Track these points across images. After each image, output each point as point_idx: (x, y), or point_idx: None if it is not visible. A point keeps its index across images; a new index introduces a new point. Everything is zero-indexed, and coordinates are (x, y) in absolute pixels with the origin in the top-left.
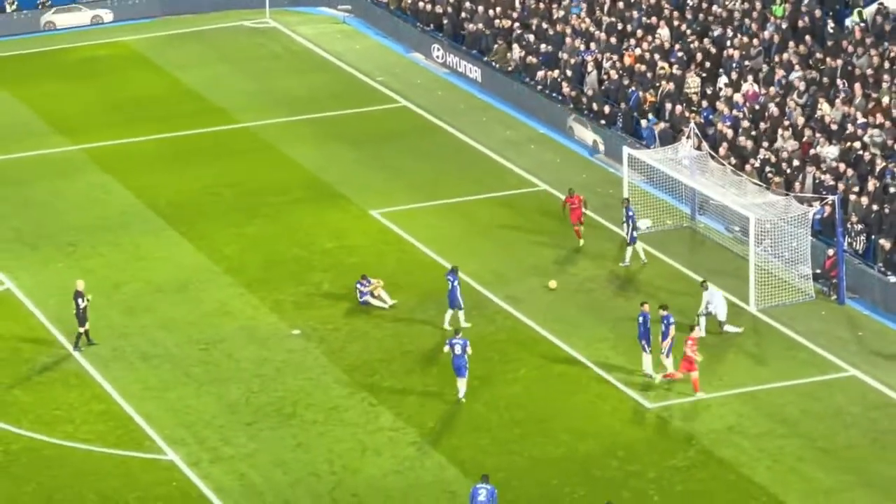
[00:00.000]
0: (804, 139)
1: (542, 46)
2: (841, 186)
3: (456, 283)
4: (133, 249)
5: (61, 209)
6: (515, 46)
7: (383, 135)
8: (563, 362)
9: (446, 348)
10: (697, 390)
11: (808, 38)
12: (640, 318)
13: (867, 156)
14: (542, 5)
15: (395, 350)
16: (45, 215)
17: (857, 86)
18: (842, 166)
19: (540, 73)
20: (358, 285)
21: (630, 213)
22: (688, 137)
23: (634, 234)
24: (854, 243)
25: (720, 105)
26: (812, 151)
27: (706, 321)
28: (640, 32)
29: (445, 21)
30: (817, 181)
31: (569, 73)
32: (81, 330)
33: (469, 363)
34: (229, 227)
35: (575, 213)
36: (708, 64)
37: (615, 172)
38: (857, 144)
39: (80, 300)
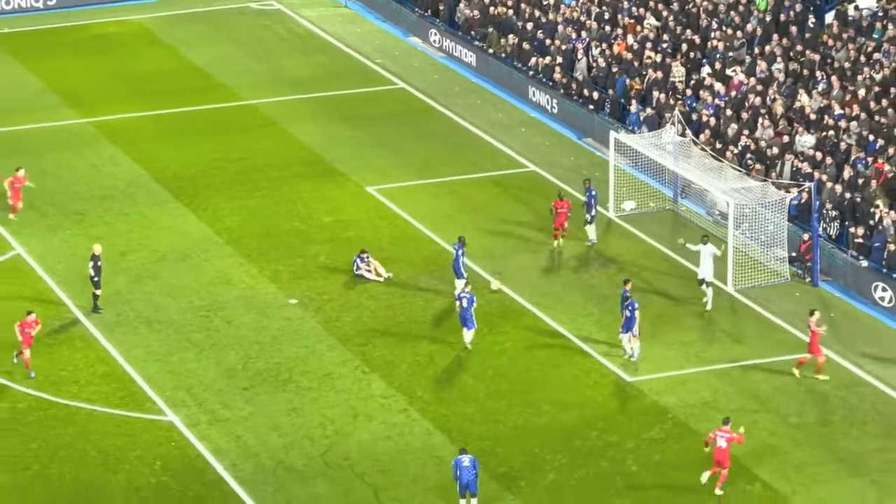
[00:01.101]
0: (782, 128)
1: (537, 33)
2: (817, 174)
3: (460, 252)
4: (139, 219)
5: (71, 179)
6: (511, 35)
7: (381, 115)
8: (548, 336)
9: (456, 302)
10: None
11: (791, 29)
12: (622, 297)
13: (843, 145)
14: None
15: (387, 321)
16: (55, 185)
17: (835, 78)
18: (818, 155)
19: (532, 60)
20: (357, 259)
21: (591, 194)
22: (672, 124)
23: (593, 213)
24: (828, 229)
25: (703, 94)
26: (788, 139)
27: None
28: (628, 22)
29: (442, 7)
30: (795, 169)
31: (559, 59)
32: (98, 292)
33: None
34: (231, 199)
35: (559, 219)
36: (693, 54)
37: (602, 156)
38: (833, 134)
39: (97, 262)
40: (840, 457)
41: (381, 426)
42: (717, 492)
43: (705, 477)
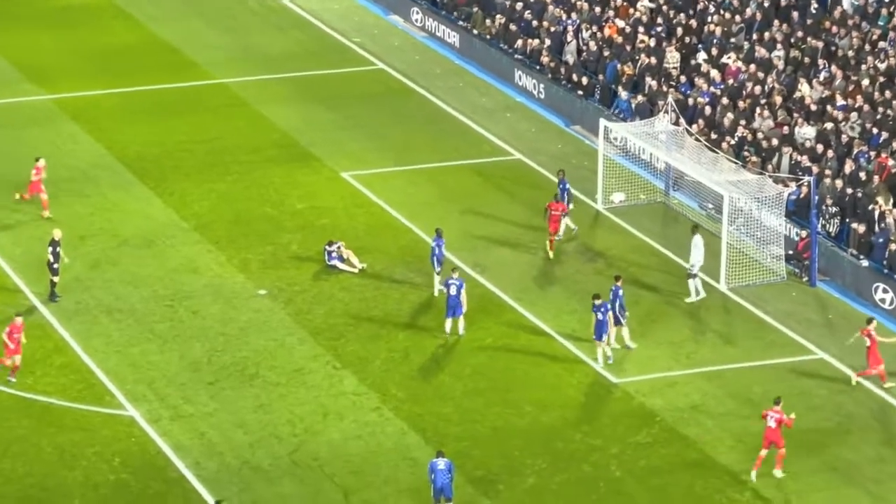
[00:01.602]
0: (781, 119)
1: (524, 14)
2: (816, 168)
3: (438, 245)
4: (101, 202)
5: (29, 158)
6: (497, 16)
7: (358, 96)
8: (530, 333)
9: (443, 289)
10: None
11: (793, 14)
12: (612, 294)
13: (844, 138)
14: None
15: (361, 314)
16: (12, 164)
17: (837, 67)
18: (819, 147)
19: (519, 42)
20: (327, 249)
21: (565, 186)
22: (665, 112)
23: (569, 206)
24: (827, 225)
25: (699, 81)
26: (787, 130)
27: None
28: (621, 4)
29: None
30: (793, 162)
31: (548, 42)
32: (55, 279)
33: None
34: (199, 183)
35: (554, 222)
36: (688, 39)
37: (590, 144)
38: (834, 126)
39: (56, 248)
40: (834, 465)
41: (352, 425)
42: (778, 474)
43: (753, 475)
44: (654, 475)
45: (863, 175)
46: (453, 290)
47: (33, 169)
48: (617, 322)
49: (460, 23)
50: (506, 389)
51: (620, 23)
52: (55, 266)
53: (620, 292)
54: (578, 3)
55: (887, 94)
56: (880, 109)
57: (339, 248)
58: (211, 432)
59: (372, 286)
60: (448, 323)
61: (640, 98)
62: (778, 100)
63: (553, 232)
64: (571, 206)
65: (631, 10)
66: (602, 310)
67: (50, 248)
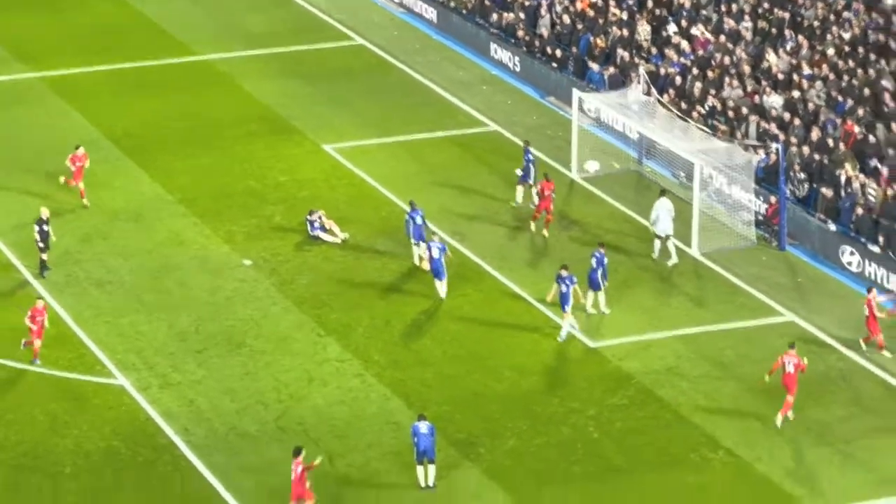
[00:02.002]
0: (749, 88)
1: None
2: (784, 136)
3: (414, 217)
4: (89, 178)
5: (19, 136)
6: None
7: (339, 71)
8: (509, 299)
9: (425, 252)
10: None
11: None
12: (595, 260)
13: (811, 106)
14: None
15: (343, 283)
16: (3, 142)
17: (803, 37)
18: (787, 115)
19: (494, 16)
20: (308, 219)
21: (529, 157)
22: (637, 83)
23: (528, 176)
24: (796, 191)
25: (669, 52)
26: (755, 99)
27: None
28: None
29: None
30: (762, 130)
31: (522, 16)
32: (44, 256)
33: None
34: (185, 158)
35: (545, 202)
36: (658, 11)
37: (565, 115)
38: (801, 94)
39: (43, 227)
40: (805, 425)
41: (336, 391)
42: (780, 421)
43: (780, 420)
44: (631, 436)
45: (830, 142)
46: (436, 254)
47: (71, 156)
48: (596, 287)
49: None
50: (485, 355)
51: None
52: (41, 245)
53: (605, 260)
54: None
55: (851, 63)
56: (845, 78)
57: (320, 217)
58: (199, 399)
59: (353, 256)
60: (440, 286)
61: (612, 70)
62: (746, 69)
63: (547, 211)
64: (531, 178)
65: None
66: (567, 282)
67: (36, 227)
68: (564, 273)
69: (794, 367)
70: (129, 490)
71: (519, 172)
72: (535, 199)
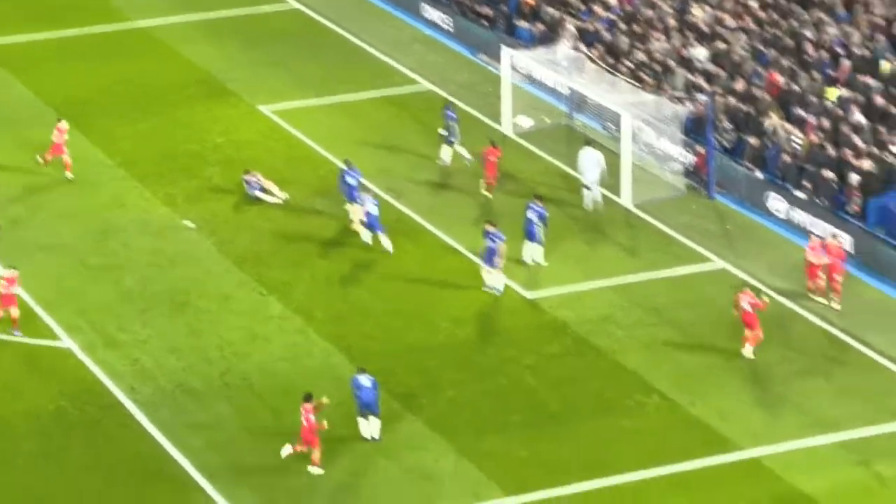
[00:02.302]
0: (675, 41)
1: None
2: (710, 87)
3: (348, 175)
4: (31, 144)
5: None
6: None
7: (274, 35)
8: (445, 253)
9: (357, 212)
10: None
11: None
12: (532, 214)
13: (736, 58)
14: None
15: (283, 242)
16: None
17: None
18: (712, 67)
19: None
20: (245, 179)
21: (451, 116)
22: (565, 39)
23: (452, 138)
24: (723, 141)
25: (596, 8)
26: (682, 52)
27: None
28: None
29: None
30: (688, 82)
31: None
32: None
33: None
34: (125, 123)
35: (490, 168)
36: None
37: (496, 72)
38: (725, 46)
39: None
40: (739, 367)
41: (279, 347)
42: (746, 351)
43: (748, 351)
44: (567, 384)
45: (755, 92)
46: (374, 210)
47: (55, 130)
48: (533, 239)
49: None
50: (423, 309)
51: None
52: None
53: (546, 213)
54: None
55: (774, 14)
56: (768, 29)
57: (258, 178)
58: (144, 358)
59: (292, 215)
60: (382, 239)
61: (541, 26)
62: (672, 23)
63: (491, 176)
64: (455, 137)
65: None
66: (493, 238)
67: None
68: (491, 229)
69: (751, 306)
70: (78, 449)
71: (443, 133)
72: (466, 158)
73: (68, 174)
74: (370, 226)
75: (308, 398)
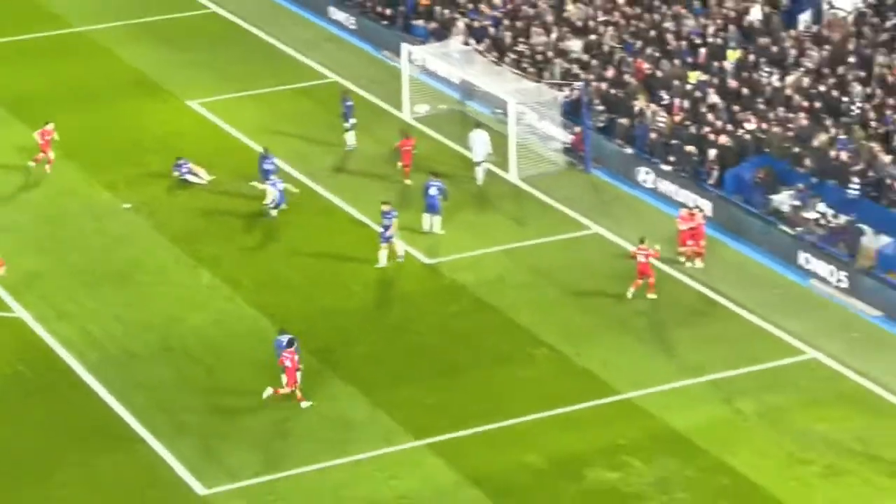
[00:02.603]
0: (553, 35)
1: None
2: (584, 74)
3: (266, 162)
4: None
5: None
6: None
7: (199, 36)
8: (356, 226)
9: (271, 192)
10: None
11: None
12: (433, 189)
13: (606, 48)
14: None
15: (212, 220)
16: None
17: None
18: (585, 57)
19: None
20: (175, 166)
21: (348, 104)
22: (456, 35)
23: (348, 124)
24: (597, 122)
25: (482, 6)
26: (558, 44)
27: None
28: None
29: None
30: (565, 70)
31: None
32: None
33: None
34: (69, 118)
35: (406, 156)
36: None
37: (396, 66)
38: (596, 38)
39: None
40: (611, 318)
41: (211, 313)
42: (651, 296)
43: (630, 292)
44: (468, 339)
45: (624, 78)
46: (280, 187)
47: (40, 131)
48: (434, 211)
49: None
50: (337, 276)
51: None
52: None
53: (444, 186)
54: None
55: (638, 9)
56: (633, 22)
57: (189, 164)
58: (92, 327)
59: (221, 197)
60: (274, 212)
61: (434, 24)
62: (549, 19)
63: (406, 165)
64: (354, 121)
65: None
66: (388, 216)
67: None
68: (386, 208)
69: (646, 257)
70: (35, 408)
71: (349, 123)
72: (354, 140)
73: (47, 168)
74: (278, 204)
75: (290, 342)
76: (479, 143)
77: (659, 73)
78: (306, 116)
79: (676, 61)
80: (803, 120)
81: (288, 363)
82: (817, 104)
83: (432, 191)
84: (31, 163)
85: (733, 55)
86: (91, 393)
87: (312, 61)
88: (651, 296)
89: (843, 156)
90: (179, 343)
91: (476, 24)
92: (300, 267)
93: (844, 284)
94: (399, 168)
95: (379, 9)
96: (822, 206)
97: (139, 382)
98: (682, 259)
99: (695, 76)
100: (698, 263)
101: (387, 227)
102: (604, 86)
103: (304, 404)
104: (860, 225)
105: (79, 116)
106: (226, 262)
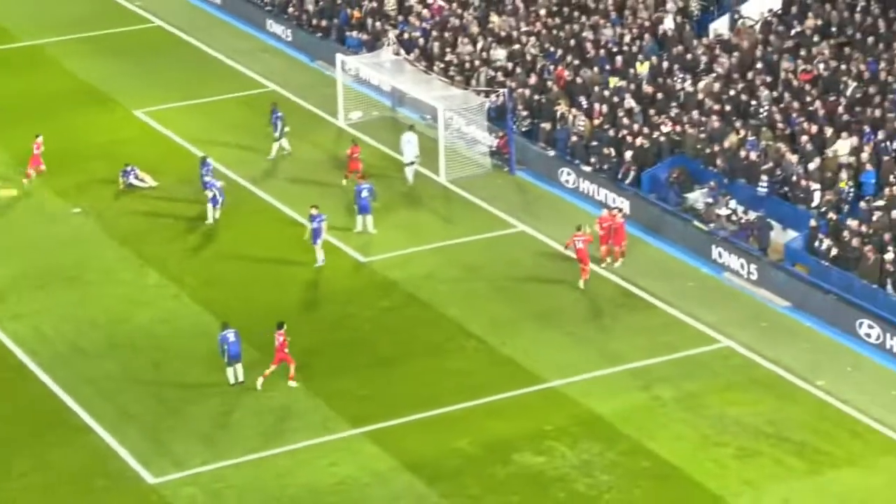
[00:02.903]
0: (478, 44)
1: None
2: (509, 82)
3: (204, 171)
4: None
5: None
6: None
7: (143, 49)
8: (292, 226)
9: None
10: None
11: None
12: (365, 191)
13: (529, 57)
14: None
15: (158, 222)
16: None
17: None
18: (510, 65)
19: None
20: (122, 173)
21: (277, 115)
22: (388, 45)
23: (277, 133)
24: (520, 126)
25: (412, 19)
26: (484, 54)
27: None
28: None
29: None
30: (490, 77)
31: None
32: None
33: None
34: (20, 127)
35: (354, 163)
36: None
37: (331, 75)
38: (519, 47)
39: None
40: (539, 312)
41: (157, 311)
42: (582, 281)
43: (582, 283)
44: (399, 332)
45: (549, 83)
46: (219, 194)
47: (34, 145)
48: (366, 211)
49: None
50: (277, 274)
51: None
52: None
53: (374, 188)
54: None
55: (558, 20)
56: (554, 32)
57: (134, 170)
58: (43, 325)
59: (165, 200)
60: (216, 211)
61: (366, 36)
62: (475, 30)
63: (353, 170)
64: (287, 129)
65: None
66: (317, 220)
67: None
68: (314, 212)
69: (584, 243)
70: None
71: (277, 133)
72: (276, 152)
73: (27, 180)
74: (213, 201)
75: (280, 325)
76: (409, 146)
77: (579, 80)
78: (246, 124)
79: (595, 69)
80: (715, 122)
81: (278, 344)
82: (728, 107)
83: (364, 193)
84: (26, 181)
85: (642, 67)
86: (44, 388)
87: (251, 71)
88: (582, 281)
89: (753, 155)
90: (127, 339)
91: (406, 35)
92: (241, 266)
93: (755, 277)
94: (350, 177)
95: (314, 21)
96: (733, 203)
97: (89, 378)
98: (604, 257)
99: (613, 82)
100: (619, 263)
101: (316, 231)
102: (527, 92)
103: (292, 384)
104: (769, 220)
105: (29, 126)
106: (171, 262)
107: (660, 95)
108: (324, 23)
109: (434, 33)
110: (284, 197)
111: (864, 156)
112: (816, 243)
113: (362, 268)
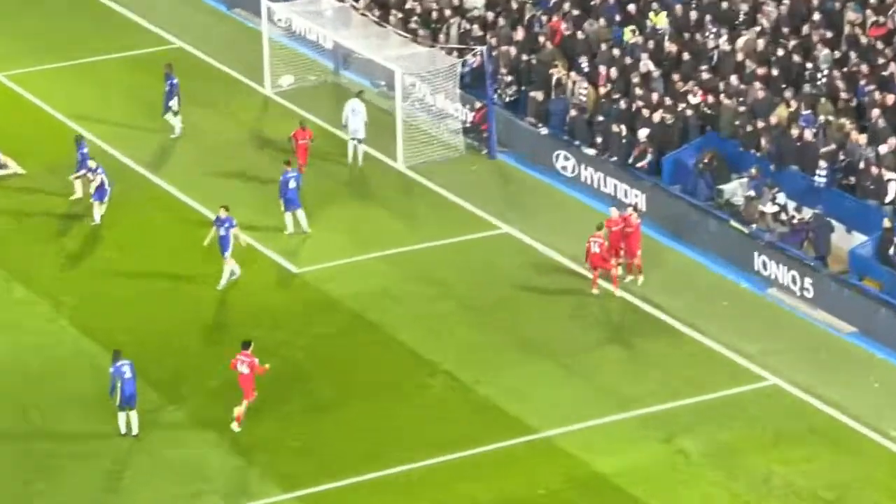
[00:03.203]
0: None
1: None
2: (489, 37)
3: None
4: None
5: None
6: None
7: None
8: (203, 226)
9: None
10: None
11: None
12: (290, 182)
13: (514, 4)
14: None
15: (23, 220)
16: None
17: None
18: (489, 15)
19: None
20: None
21: (172, 80)
22: None
23: (170, 105)
24: (503, 95)
25: None
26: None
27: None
28: None
29: None
30: (463, 31)
31: None
32: None
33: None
34: None
35: (301, 151)
36: None
37: (254, 27)
38: None
39: None
40: (527, 339)
41: (27, 336)
42: (594, 291)
43: (596, 289)
44: (342, 366)
45: (541, 39)
46: (105, 184)
47: None
48: (295, 206)
49: None
50: (180, 287)
51: None
52: None
53: (300, 178)
54: None
55: None
56: None
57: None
58: None
59: (34, 192)
60: (102, 207)
61: None
62: None
63: (302, 159)
64: (177, 103)
65: None
66: (226, 225)
67: None
68: (223, 215)
69: (599, 247)
70: None
71: (172, 104)
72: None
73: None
74: (99, 195)
75: (246, 345)
76: (356, 117)
77: (580, 35)
78: (145, 89)
79: (601, 20)
80: (759, 91)
81: (245, 369)
82: (775, 72)
83: (291, 184)
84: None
85: (660, 19)
86: None
87: (151, 24)
88: (595, 291)
89: (808, 135)
90: None
91: None
92: (133, 277)
93: (810, 294)
94: (303, 170)
95: None
96: (781, 198)
97: None
98: (622, 273)
99: (627, 36)
100: (640, 281)
101: (223, 239)
102: (512, 51)
103: (236, 427)
104: (829, 220)
105: None
106: (42, 273)
107: (686, 56)
108: None
109: None
110: (191, 188)
111: None
112: (891, 250)
113: (293, 280)
